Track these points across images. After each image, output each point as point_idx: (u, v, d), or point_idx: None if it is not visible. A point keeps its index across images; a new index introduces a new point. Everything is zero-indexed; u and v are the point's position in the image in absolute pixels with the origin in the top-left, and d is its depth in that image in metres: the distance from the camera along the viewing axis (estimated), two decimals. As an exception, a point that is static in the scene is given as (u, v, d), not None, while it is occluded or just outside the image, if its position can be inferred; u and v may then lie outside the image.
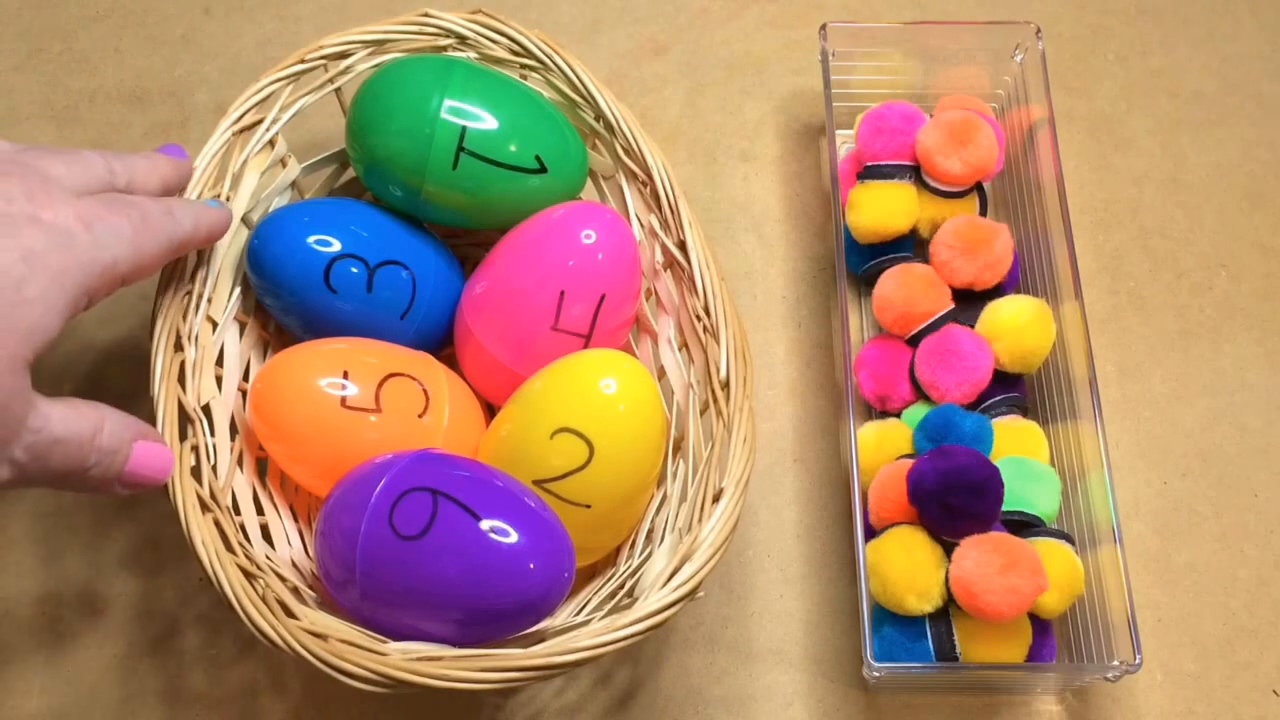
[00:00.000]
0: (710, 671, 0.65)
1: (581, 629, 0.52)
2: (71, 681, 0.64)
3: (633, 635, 0.51)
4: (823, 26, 0.74)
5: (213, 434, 0.58)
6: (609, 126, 0.64)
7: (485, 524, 0.52)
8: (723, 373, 0.58)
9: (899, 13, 0.85)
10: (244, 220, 0.62)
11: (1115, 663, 0.59)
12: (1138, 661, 0.58)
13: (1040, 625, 0.62)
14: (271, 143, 0.63)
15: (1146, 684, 0.65)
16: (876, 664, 0.59)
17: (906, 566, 0.60)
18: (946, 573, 0.60)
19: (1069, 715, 0.64)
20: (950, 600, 0.60)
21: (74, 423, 0.47)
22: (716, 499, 0.54)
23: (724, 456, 0.56)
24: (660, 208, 0.62)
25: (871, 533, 0.64)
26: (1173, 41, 0.84)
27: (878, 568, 0.61)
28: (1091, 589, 0.62)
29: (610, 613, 0.55)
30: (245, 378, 0.63)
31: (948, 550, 0.61)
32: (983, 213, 0.73)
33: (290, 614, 0.51)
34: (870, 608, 0.61)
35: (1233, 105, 0.82)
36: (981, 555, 0.59)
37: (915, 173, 0.72)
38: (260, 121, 0.62)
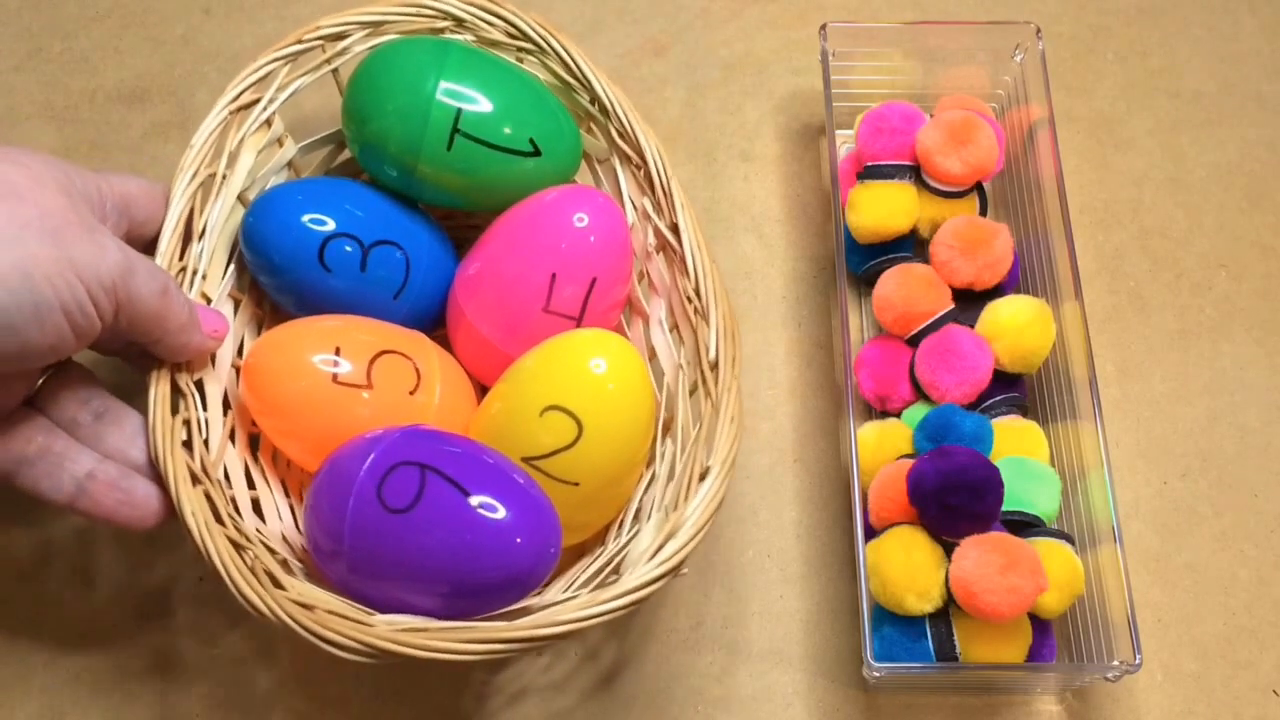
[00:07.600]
0: (710, 671, 0.65)
1: (566, 603, 0.52)
2: (71, 681, 0.64)
3: (616, 609, 0.51)
4: (823, 26, 0.74)
5: (205, 409, 0.58)
6: (604, 110, 0.64)
7: (473, 499, 0.52)
8: (711, 353, 0.58)
9: (899, 13, 0.85)
10: (240, 198, 0.63)
11: (1115, 663, 0.59)
12: (1138, 661, 0.58)
13: (1040, 625, 0.62)
14: (268, 122, 0.64)
15: (1146, 684, 0.65)
16: (876, 664, 0.59)
17: (906, 566, 0.60)
18: (946, 573, 0.60)
19: (1069, 715, 0.64)
20: (950, 600, 0.60)
21: (150, 266, 0.52)
22: (703, 477, 0.55)
23: (711, 435, 0.56)
24: (654, 190, 0.62)
25: (871, 533, 0.64)
26: (1173, 41, 0.84)
27: (878, 568, 0.61)
28: (1091, 589, 0.62)
29: (595, 589, 0.55)
30: (239, 354, 0.63)
31: (948, 550, 0.61)
32: (983, 213, 0.73)
33: (278, 585, 0.52)
34: (870, 608, 0.61)
35: (1233, 105, 0.82)
36: (981, 555, 0.59)
37: (915, 173, 0.72)
38: (257, 101, 0.63)
